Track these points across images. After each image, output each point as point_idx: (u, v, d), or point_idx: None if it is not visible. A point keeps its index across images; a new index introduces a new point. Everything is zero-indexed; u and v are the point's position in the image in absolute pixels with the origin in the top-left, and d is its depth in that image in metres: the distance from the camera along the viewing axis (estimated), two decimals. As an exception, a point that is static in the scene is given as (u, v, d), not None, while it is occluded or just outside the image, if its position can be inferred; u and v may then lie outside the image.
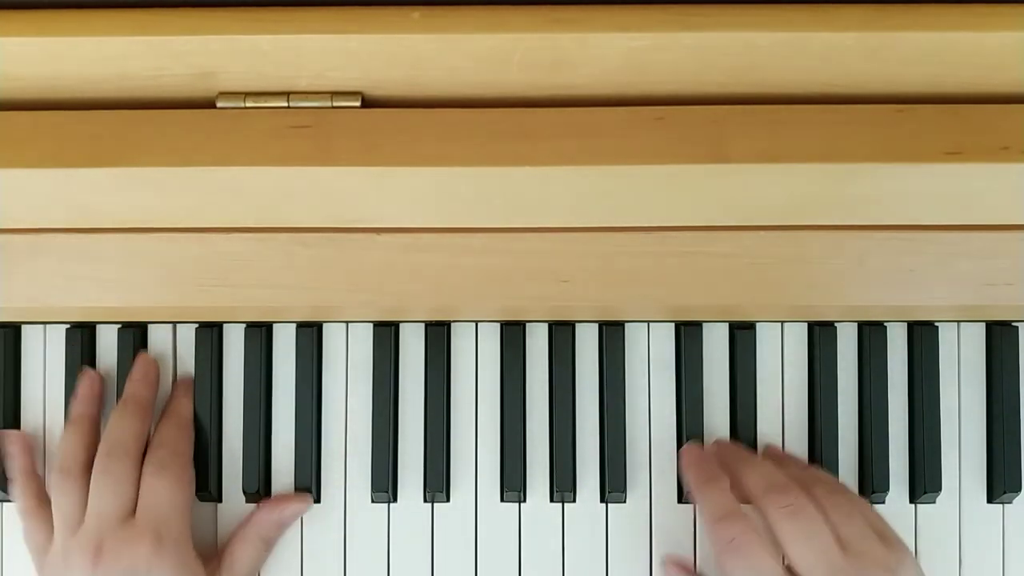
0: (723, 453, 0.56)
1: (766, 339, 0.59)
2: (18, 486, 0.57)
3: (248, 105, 0.52)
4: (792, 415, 0.59)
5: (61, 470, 0.55)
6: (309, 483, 0.58)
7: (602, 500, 0.59)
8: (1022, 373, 0.59)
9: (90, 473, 0.55)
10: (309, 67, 0.51)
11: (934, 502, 0.58)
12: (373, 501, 0.59)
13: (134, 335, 0.59)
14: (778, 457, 0.57)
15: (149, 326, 0.60)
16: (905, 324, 0.59)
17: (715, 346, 0.59)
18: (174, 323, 0.60)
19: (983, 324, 0.59)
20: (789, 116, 0.50)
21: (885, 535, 0.50)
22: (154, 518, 0.53)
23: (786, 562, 0.49)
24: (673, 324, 0.59)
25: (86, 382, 0.58)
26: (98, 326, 0.60)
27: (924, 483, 0.58)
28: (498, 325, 0.59)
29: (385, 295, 0.54)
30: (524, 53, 0.50)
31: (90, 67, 0.51)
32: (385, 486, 0.58)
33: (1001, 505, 0.59)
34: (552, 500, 0.59)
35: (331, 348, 0.60)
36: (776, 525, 0.50)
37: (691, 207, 0.51)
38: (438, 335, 0.59)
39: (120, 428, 0.56)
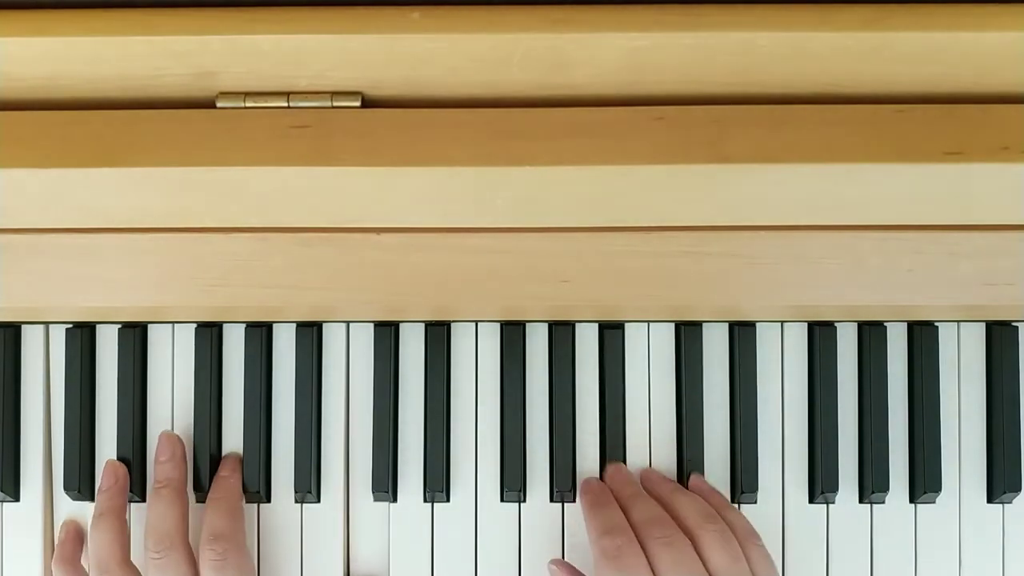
0: (617, 484, 0.57)
1: (766, 339, 0.59)
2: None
3: (248, 105, 0.52)
4: (792, 415, 0.59)
5: (99, 569, 0.54)
6: (309, 483, 0.58)
7: (602, 500, 0.59)
8: (1022, 373, 0.59)
9: (129, 567, 0.55)
10: (309, 67, 0.51)
11: (934, 502, 0.58)
12: (373, 501, 0.59)
13: (134, 335, 0.59)
14: (670, 493, 0.57)
15: (149, 326, 0.60)
16: (905, 324, 0.59)
17: (715, 346, 0.59)
18: (174, 323, 0.60)
19: (983, 324, 0.59)
20: (789, 116, 0.50)
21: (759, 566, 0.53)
22: None
23: None
24: (673, 324, 0.59)
25: (110, 472, 0.58)
26: (98, 326, 0.60)
27: (924, 483, 0.58)
28: (498, 325, 0.59)
29: (385, 295, 0.53)
30: (524, 53, 0.50)
31: (90, 67, 0.51)
32: (385, 486, 0.58)
33: (1001, 505, 0.59)
34: (552, 500, 0.59)
35: (331, 348, 0.59)
36: (652, 554, 0.52)
37: (691, 207, 0.51)
38: (438, 335, 0.59)
39: (163, 518, 0.55)
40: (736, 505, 0.58)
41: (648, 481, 0.58)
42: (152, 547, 0.54)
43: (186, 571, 0.54)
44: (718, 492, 0.58)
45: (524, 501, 0.59)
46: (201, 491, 0.58)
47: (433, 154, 0.50)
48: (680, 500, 0.55)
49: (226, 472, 0.58)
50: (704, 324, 0.59)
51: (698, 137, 0.50)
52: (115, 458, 0.58)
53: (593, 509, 0.55)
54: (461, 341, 0.59)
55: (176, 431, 0.59)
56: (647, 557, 0.52)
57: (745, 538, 0.54)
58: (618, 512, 0.55)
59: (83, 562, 0.58)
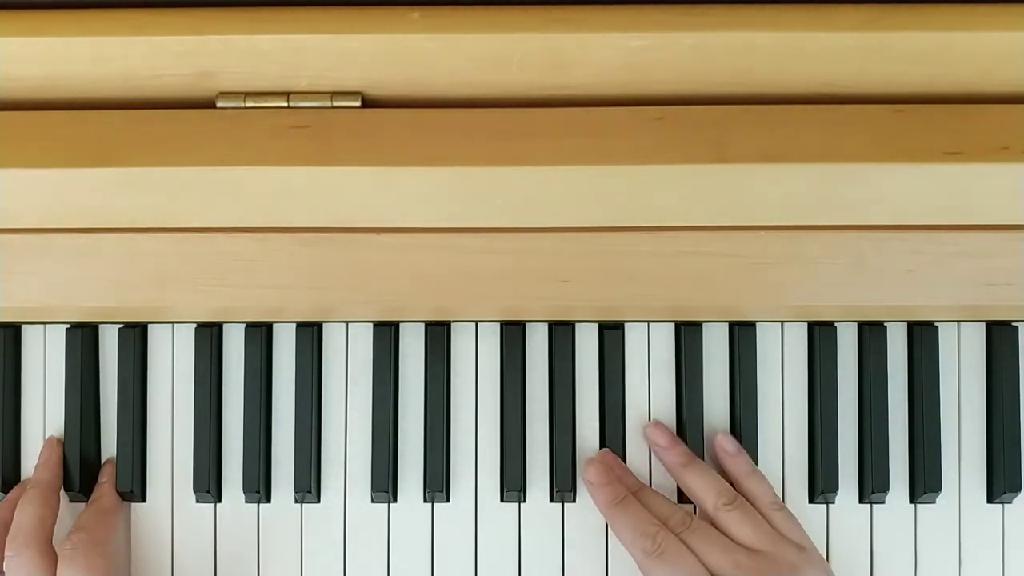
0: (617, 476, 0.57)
1: (766, 339, 0.59)
2: None
3: (248, 105, 0.52)
4: (792, 415, 0.59)
5: (13, 542, 0.55)
6: (309, 483, 0.58)
7: (602, 500, 0.59)
8: (1022, 373, 0.59)
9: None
10: (309, 67, 0.51)
11: (934, 502, 0.58)
12: (373, 501, 0.59)
13: (134, 335, 0.59)
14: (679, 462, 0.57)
15: (149, 326, 0.60)
16: (905, 324, 0.59)
17: (715, 346, 0.59)
18: (174, 323, 0.60)
19: (983, 324, 0.59)
20: (789, 116, 0.51)
21: (763, 550, 0.52)
22: None
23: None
24: (673, 324, 0.59)
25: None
26: (98, 326, 0.60)
27: (924, 483, 0.58)
28: (498, 325, 0.59)
29: (385, 295, 0.54)
30: (524, 53, 0.50)
31: (90, 67, 0.51)
32: (385, 486, 0.58)
33: (1001, 505, 0.59)
34: (552, 500, 0.59)
35: (331, 348, 0.59)
36: (689, 544, 0.53)
37: (691, 207, 0.51)
38: (438, 335, 0.59)
39: (25, 514, 0.56)
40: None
41: (656, 447, 0.58)
42: (9, 539, 0.55)
43: (39, 572, 0.54)
44: (743, 455, 0.57)
45: (524, 501, 0.59)
46: (201, 492, 0.58)
47: (433, 154, 0.50)
48: (692, 479, 0.56)
49: (103, 480, 0.59)
50: (704, 324, 0.59)
51: (698, 137, 0.50)
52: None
53: (615, 509, 0.55)
54: (461, 341, 0.59)
55: (176, 431, 0.59)
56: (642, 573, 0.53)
57: (766, 507, 0.55)
58: (642, 508, 0.55)
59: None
